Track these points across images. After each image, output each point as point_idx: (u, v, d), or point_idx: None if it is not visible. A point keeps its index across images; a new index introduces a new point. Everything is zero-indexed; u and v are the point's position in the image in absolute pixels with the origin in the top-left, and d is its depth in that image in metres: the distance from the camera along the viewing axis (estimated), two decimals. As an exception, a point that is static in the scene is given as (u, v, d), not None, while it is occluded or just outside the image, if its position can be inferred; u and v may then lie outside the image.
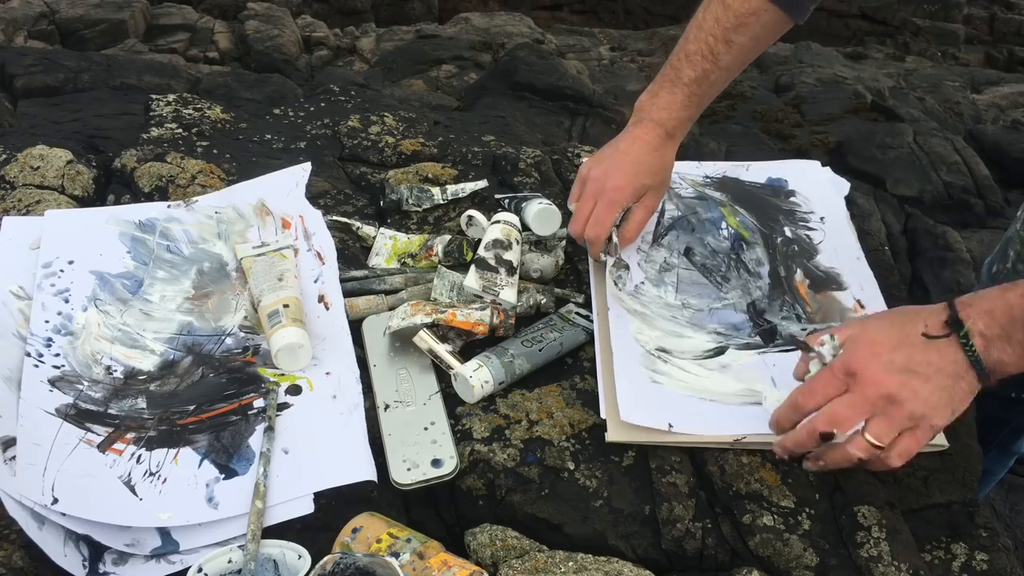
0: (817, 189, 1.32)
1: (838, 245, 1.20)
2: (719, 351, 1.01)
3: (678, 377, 0.97)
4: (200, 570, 0.76)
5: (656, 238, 1.17)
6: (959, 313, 0.78)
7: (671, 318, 1.06)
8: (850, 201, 1.29)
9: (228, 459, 0.88)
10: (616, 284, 1.08)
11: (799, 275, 1.13)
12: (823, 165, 1.39)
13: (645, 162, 1.09)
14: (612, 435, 0.91)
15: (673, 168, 1.15)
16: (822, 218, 1.26)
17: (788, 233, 1.21)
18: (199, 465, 0.88)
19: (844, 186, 1.33)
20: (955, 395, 0.79)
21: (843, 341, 0.83)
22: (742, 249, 1.17)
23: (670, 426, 0.91)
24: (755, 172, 1.35)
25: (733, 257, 1.15)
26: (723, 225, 1.21)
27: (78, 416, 0.91)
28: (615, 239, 1.09)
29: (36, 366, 0.96)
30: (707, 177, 1.33)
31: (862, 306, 1.09)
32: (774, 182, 1.33)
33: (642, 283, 1.10)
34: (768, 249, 1.17)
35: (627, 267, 1.09)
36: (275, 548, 0.78)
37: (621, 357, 0.97)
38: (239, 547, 0.78)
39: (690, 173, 1.34)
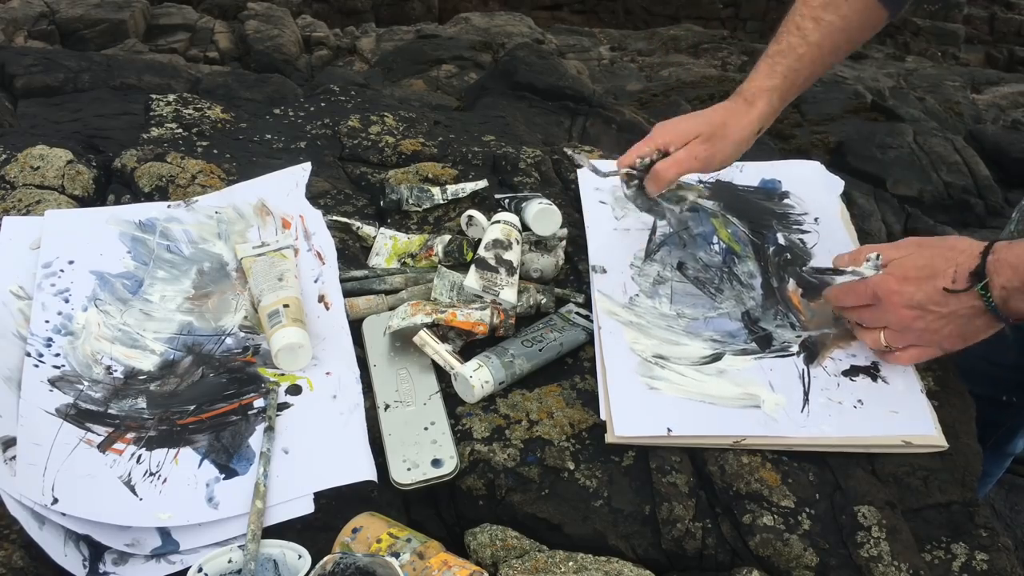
0: (811, 189, 1.31)
1: (832, 247, 1.20)
2: (716, 357, 1.01)
3: (676, 382, 0.97)
4: (200, 570, 0.76)
5: (648, 254, 1.17)
6: (988, 265, 0.83)
7: (667, 327, 1.06)
8: (850, 201, 1.29)
9: (228, 459, 0.88)
10: (626, 193, 1.10)
11: (791, 285, 1.14)
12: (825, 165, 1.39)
13: (706, 114, 1.07)
14: (612, 436, 0.91)
15: (743, 140, 1.10)
16: (816, 219, 1.26)
17: (781, 240, 1.21)
18: (199, 465, 0.88)
19: (838, 184, 1.33)
20: (968, 330, 0.89)
21: (886, 263, 0.90)
22: (734, 263, 1.17)
23: (669, 431, 0.91)
24: (749, 173, 1.35)
25: (725, 270, 1.15)
26: (714, 239, 1.21)
27: (78, 416, 0.91)
28: (639, 162, 1.07)
29: (36, 366, 0.96)
30: (700, 182, 1.33)
31: None
32: (767, 184, 1.33)
33: (636, 295, 1.10)
34: (760, 261, 1.17)
35: (638, 187, 1.08)
36: (275, 548, 0.78)
37: (615, 374, 0.97)
38: (239, 547, 0.78)
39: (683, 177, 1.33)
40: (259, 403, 0.95)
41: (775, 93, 1.08)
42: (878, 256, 0.91)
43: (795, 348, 1.03)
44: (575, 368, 1.02)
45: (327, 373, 0.99)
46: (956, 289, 0.85)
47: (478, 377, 0.95)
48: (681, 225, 1.23)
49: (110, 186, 1.31)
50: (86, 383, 0.95)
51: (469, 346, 1.03)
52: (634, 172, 1.08)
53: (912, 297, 0.88)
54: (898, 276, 0.89)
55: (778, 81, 1.07)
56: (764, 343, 1.04)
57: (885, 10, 1.07)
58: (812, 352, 1.03)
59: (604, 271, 1.13)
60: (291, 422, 0.93)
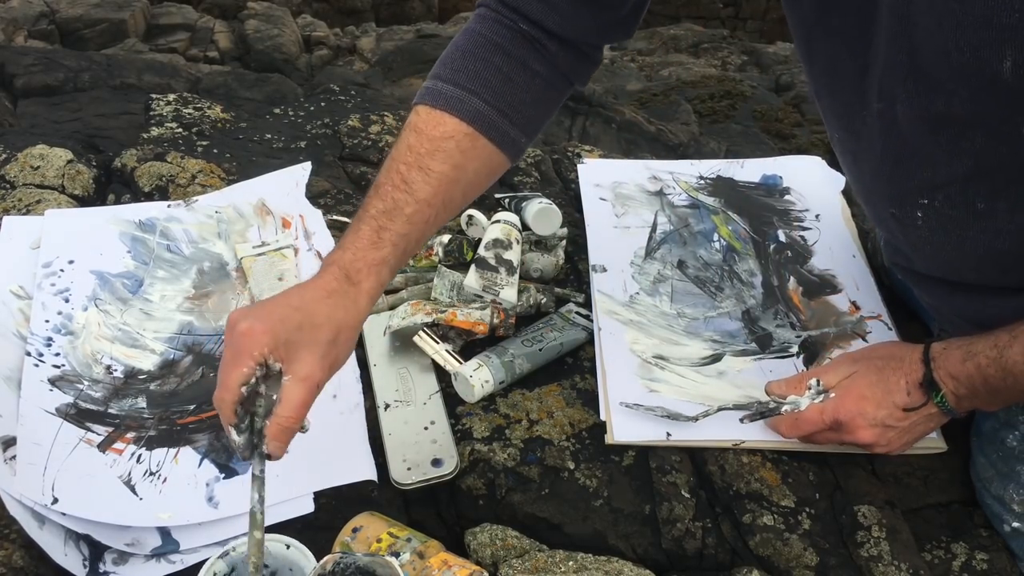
0: (812, 186, 1.31)
1: (833, 244, 1.20)
2: (715, 358, 1.01)
3: (676, 383, 0.97)
4: None
5: (649, 252, 1.17)
6: (934, 373, 0.83)
7: (667, 326, 1.06)
8: (849, 200, 1.29)
9: (228, 458, 0.88)
10: (256, 510, 0.72)
11: (792, 283, 1.13)
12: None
13: (302, 308, 0.77)
14: (612, 439, 0.91)
15: (357, 330, 0.82)
16: (817, 216, 1.26)
17: (782, 238, 1.21)
18: (199, 464, 0.88)
19: (840, 180, 1.33)
20: (923, 432, 0.88)
21: (829, 387, 0.88)
22: (734, 260, 1.17)
23: (668, 435, 0.91)
24: (750, 169, 1.35)
25: (726, 268, 1.15)
26: (715, 237, 1.21)
27: (78, 416, 0.91)
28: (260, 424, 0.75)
29: (36, 366, 0.96)
30: (701, 178, 1.33)
31: (857, 308, 1.09)
32: (768, 180, 1.33)
33: (637, 294, 1.10)
34: (760, 259, 1.17)
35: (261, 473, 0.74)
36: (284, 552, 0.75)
37: (614, 377, 0.97)
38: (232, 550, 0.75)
39: (684, 173, 1.33)
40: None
41: (385, 267, 0.84)
42: (819, 382, 0.88)
43: (795, 349, 1.03)
44: (575, 368, 1.02)
45: (327, 373, 0.99)
46: (914, 406, 0.84)
47: (478, 377, 0.95)
48: (682, 221, 1.23)
49: (110, 186, 1.31)
50: (86, 383, 0.95)
51: (469, 346, 1.03)
52: None
53: (874, 416, 0.85)
54: (854, 396, 0.86)
55: (387, 252, 0.83)
56: (764, 343, 1.04)
57: (506, 157, 0.92)
58: (812, 353, 1.03)
59: (604, 270, 1.13)
60: (291, 422, 0.93)
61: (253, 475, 0.73)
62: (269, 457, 0.75)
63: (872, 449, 0.87)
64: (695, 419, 0.91)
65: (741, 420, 0.90)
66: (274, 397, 0.75)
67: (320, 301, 0.79)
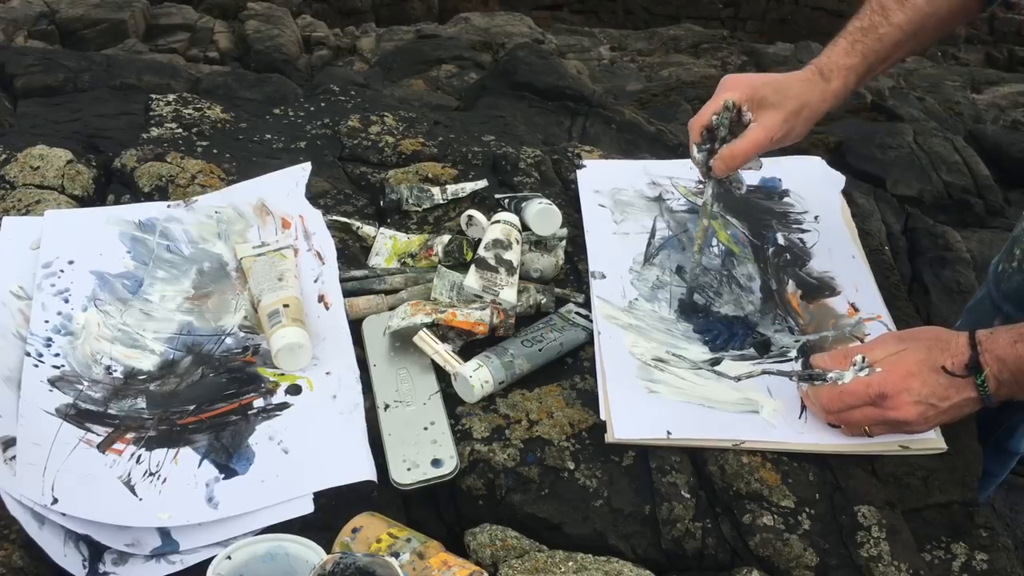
0: (812, 186, 1.31)
1: (832, 245, 1.20)
2: (715, 362, 1.02)
3: (676, 385, 0.97)
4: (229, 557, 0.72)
5: (647, 258, 1.17)
6: (980, 356, 0.85)
7: (666, 331, 1.06)
8: (850, 201, 1.29)
9: (228, 459, 0.88)
10: (708, 202, 1.06)
11: (791, 287, 1.13)
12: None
13: (780, 82, 1.02)
14: (612, 437, 0.91)
15: (816, 119, 1.05)
16: (816, 217, 1.26)
17: (780, 240, 1.21)
18: (199, 465, 0.88)
19: (839, 180, 1.33)
20: (955, 418, 0.90)
21: (874, 363, 0.88)
22: (733, 265, 1.17)
23: (668, 433, 0.91)
24: (749, 172, 1.35)
25: (724, 273, 1.15)
26: (714, 242, 1.21)
27: (78, 416, 0.91)
28: (718, 147, 1.02)
29: (36, 366, 0.96)
30: (700, 183, 1.33)
31: (856, 309, 1.09)
32: (767, 182, 1.33)
33: (636, 300, 1.10)
34: (759, 263, 1.17)
35: (731, 179, 1.05)
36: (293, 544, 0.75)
37: (614, 378, 0.97)
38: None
39: (683, 178, 1.33)
40: (259, 403, 0.95)
41: (852, 73, 1.04)
42: (864, 358, 0.89)
43: (793, 353, 1.03)
44: (575, 368, 1.02)
45: (327, 373, 0.99)
46: (956, 374, 0.86)
47: (478, 377, 0.95)
48: (680, 227, 1.23)
49: (110, 186, 1.31)
50: (86, 383, 0.95)
51: (469, 346, 1.03)
52: (708, 134, 1.04)
53: (920, 393, 0.86)
54: (902, 372, 0.87)
55: (857, 60, 1.03)
56: (762, 348, 1.04)
57: (980, 1, 1.03)
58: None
59: (603, 276, 1.13)
60: (291, 422, 0.93)
61: (710, 190, 1.04)
62: (711, 171, 1.04)
63: (907, 428, 0.89)
64: (737, 379, 0.97)
65: (790, 378, 0.95)
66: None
67: (795, 82, 1.02)
